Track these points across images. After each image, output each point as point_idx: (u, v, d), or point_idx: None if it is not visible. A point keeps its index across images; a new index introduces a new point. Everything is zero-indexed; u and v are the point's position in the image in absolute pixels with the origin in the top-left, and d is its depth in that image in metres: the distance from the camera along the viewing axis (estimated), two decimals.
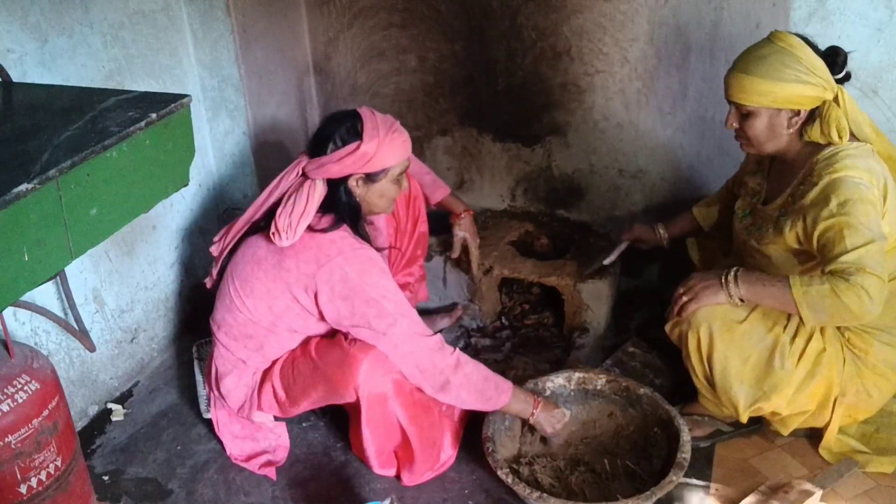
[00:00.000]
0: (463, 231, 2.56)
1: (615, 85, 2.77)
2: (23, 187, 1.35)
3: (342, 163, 1.96)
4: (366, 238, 2.09)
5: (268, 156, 3.04)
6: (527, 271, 2.71)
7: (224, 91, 2.80)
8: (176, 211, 2.70)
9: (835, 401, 2.07)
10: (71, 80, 2.19)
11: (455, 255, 2.60)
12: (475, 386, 2.04)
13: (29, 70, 2.07)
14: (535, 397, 2.14)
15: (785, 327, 2.01)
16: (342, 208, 2.03)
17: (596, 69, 2.77)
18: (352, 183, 2.02)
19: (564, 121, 2.90)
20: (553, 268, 2.71)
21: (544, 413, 2.12)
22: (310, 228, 1.99)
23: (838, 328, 2.06)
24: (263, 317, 2.06)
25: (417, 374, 2.01)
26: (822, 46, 2.44)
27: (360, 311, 1.97)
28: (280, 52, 3.01)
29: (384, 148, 1.97)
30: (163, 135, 1.68)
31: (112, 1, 2.30)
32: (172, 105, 1.70)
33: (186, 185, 1.82)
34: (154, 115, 1.64)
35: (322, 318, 2.03)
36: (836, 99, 1.95)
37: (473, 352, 2.68)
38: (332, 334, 2.10)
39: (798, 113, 1.97)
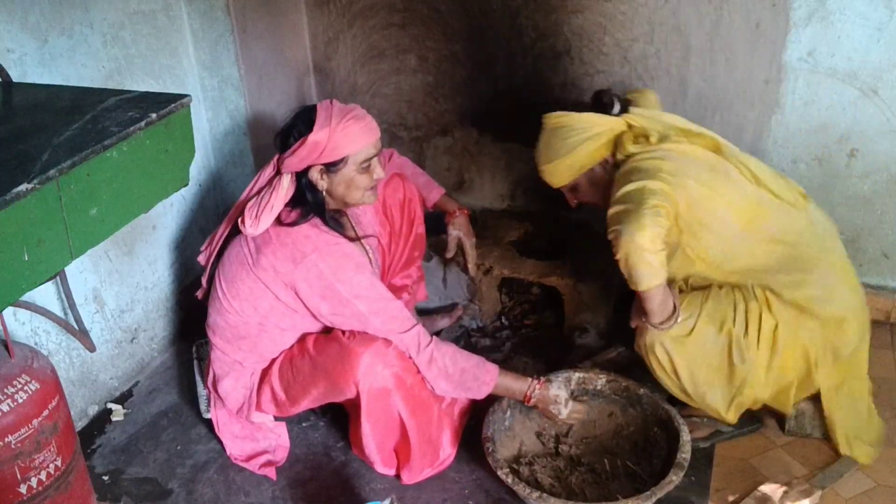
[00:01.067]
0: (457, 230, 2.52)
1: (615, 85, 2.76)
2: (23, 187, 1.35)
3: (297, 155, 1.97)
4: (339, 230, 2.07)
5: (268, 156, 3.02)
6: (527, 271, 2.71)
7: (224, 91, 2.80)
8: (176, 211, 2.70)
9: (815, 364, 2.07)
10: (71, 80, 2.19)
11: (450, 254, 2.56)
12: (451, 379, 2.06)
13: (29, 70, 2.07)
14: (535, 382, 2.13)
15: (734, 321, 2.04)
16: (307, 201, 2.03)
17: (596, 69, 2.77)
18: (314, 175, 2.01)
19: None
20: (553, 268, 2.71)
21: (541, 395, 2.13)
22: (279, 222, 2.00)
23: (781, 300, 2.03)
24: (251, 317, 2.07)
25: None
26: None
27: (336, 310, 2.00)
28: (280, 52, 3.01)
29: (337, 136, 1.95)
30: (163, 135, 1.68)
31: (112, 1, 2.30)
32: (172, 105, 1.70)
33: (186, 185, 1.82)
34: (154, 115, 1.64)
35: (308, 314, 2.05)
36: (630, 126, 2.12)
37: (473, 352, 2.67)
38: (328, 330, 2.10)
39: (605, 161, 2.16)
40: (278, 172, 2.04)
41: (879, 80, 2.46)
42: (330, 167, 2.00)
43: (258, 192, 2.04)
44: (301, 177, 2.02)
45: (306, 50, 3.15)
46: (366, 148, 2.01)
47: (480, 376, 2.08)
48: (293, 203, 2.03)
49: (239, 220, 2.01)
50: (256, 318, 2.06)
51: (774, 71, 2.56)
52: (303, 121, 1.99)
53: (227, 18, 2.72)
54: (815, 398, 2.17)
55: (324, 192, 2.04)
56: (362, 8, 3.01)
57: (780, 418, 2.28)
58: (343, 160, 1.99)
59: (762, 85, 2.59)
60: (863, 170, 2.60)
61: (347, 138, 1.97)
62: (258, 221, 1.98)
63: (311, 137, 1.94)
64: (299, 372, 2.09)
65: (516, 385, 2.12)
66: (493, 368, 2.10)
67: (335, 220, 2.08)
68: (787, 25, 2.48)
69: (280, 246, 1.98)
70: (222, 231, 2.15)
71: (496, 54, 2.89)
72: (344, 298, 1.97)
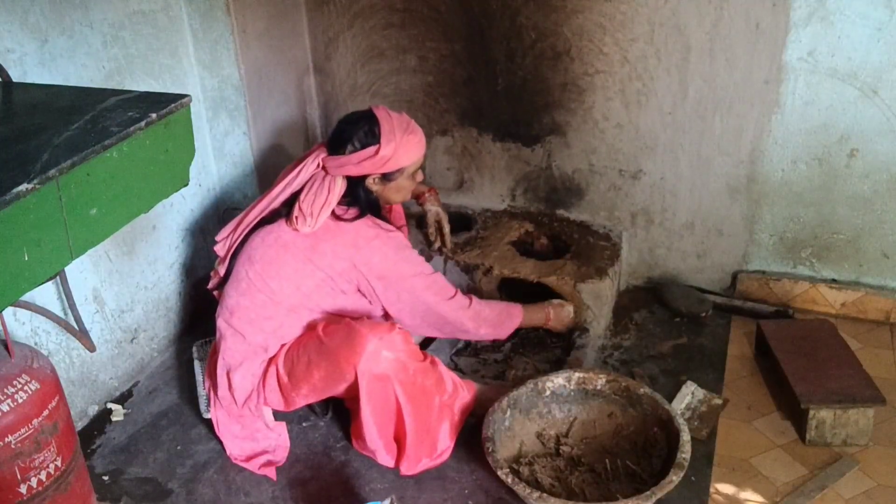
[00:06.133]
0: (434, 206, 2.71)
1: (615, 85, 2.77)
2: (23, 187, 1.35)
3: (361, 165, 2.10)
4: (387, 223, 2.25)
5: (268, 156, 3.04)
6: (527, 271, 2.71)
7: (224, 91, 2.80)
8: (176, 211, 2.70)
9: None
10: (71, 80, 2.19)
11: (431, 229, 2.73)
12: (489, 322, 2.36)
13: (29, 70, 2.07)
14: (547, 310, 2.54)
15: None
16: (362, 204, 2.16)
17: (596, 69, 2.77)
18: (369, 181, 2.17)
19: (564, 121, 2.90)
20: (553, 268, 2.71)
21: (555, 315, 2.55)
22: (337, 218, 2.12)
23: None
24: (288, 297, 2.13)
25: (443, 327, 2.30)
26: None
27: (392, 286, 2.17)
28: (280, 52, 3.01)
29: (401, 150, 2.12)
30: (163, 135, 1.68)
31: (112, 1, 2.30)
32: (172, 105, 1.70)
33: (186, 185, 1.82)
34: (154, 115, 1.64)
35: (355, 292, 2.17)
36: None
37: (473, 351, 2.68)
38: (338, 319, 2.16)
39: None
40: (324, 170, 2.13)
41: (879, 80, 2.46)
42: (386, 176, 2.18)
43: (304, 189, 2.12)
44: (357, 182, 2.14)
45: (306, 50, 3.15)
46: (419, 160, 2.21)
47: (505, 322, 2.42)
48: (343, 201, 2.15)
49: (294, 216, 2.09)
50: (296, 297, 2.13)
51: (774, 71, 2.56)
52: (364, 131, 2.11)
53: (227, 18, 2.73)
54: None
55: (374, 195, 2.19)
56: (362, 8, 3.01)
57: (800, 428, 2.27)
58: (400, 171, 2.18)
59: (762, 85, 2.59)
60: (863, 170, 2.60)
61: (408, 152, 2.15)
62: (315, 220, 2.09)
63: (382, 152, 2.09)
64: (305, 352, 2.12)
65: (535, 315, 2.51)
66: (516, 308, 2.45)
67: (383, 216, 2.27)
68: (787, 25, 2.48)
69: (340, 233, 2.12)
70: (252, 219, 2.20)
71: (496, 54, 2.89)
72: (404, 275, 2.18)
